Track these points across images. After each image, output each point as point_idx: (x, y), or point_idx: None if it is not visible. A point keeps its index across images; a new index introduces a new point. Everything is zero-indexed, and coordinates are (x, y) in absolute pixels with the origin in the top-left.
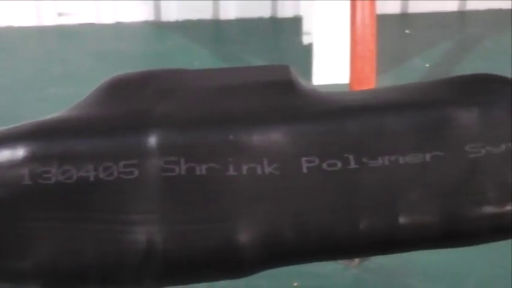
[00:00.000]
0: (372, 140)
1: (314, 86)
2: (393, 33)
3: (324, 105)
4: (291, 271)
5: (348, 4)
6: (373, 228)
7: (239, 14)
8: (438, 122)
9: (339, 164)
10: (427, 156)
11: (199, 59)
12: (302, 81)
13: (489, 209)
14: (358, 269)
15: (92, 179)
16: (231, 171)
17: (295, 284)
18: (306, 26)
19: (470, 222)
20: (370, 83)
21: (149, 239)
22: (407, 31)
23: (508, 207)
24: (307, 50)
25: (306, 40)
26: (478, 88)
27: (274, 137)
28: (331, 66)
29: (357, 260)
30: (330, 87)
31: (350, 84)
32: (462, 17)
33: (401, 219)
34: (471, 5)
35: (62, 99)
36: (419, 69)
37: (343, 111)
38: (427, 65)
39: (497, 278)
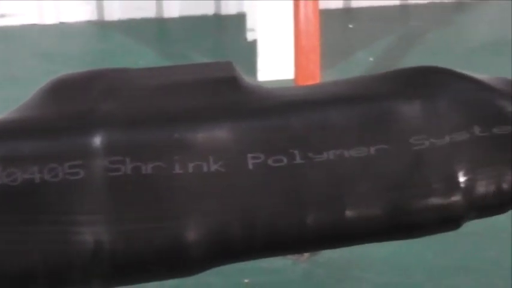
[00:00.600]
0: (317, 135)
1: (259, 82)
2: (337, 28)
3: (268, 101)
4: (241, 268)
5: (291, 0)
6: (321, 222)
7: (183, 12)
8: (382, 115)
9: (285, 160)
10: (372, 150)
11: (143, 57)
12: (246, 78)
13: (435, 201)
14: (307, 263)
15: (37, 180)
16: (177, 170)
17: (246, 281)
18: (249, 22)
19: (416, 214)
20: (315, 78)
21: (97, 239)
22: (350, 26)
23: (453, 198)
24: (252, 46)
25: (250, 37)
26: (421, 81)
27: (219, 134)
28: (275, 62)
29: (306, 255)
30: (275, 83)
31: (295, 80)
32: (404, 10)
33: (348, 213)
34: None
35: (5, 101)
36: (364, 63)
37: (288, 107)
38: (371, 59)
39: (446, 268)
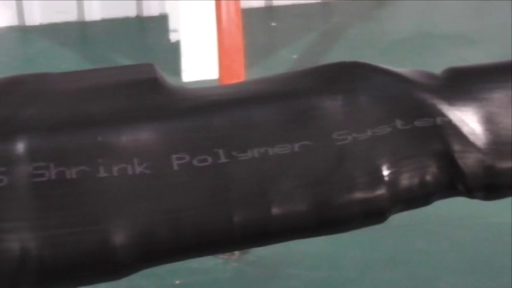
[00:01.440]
0: (241, 133)
1: (184, 83)
2: (259, 27)
3: (191, 101)
4: (172, 269)
5: (213, 0)
6: (247, 220)
7: (104, 15)
8: (305, 111)
9: (209, 159)
10: (296, 146)
11: (66, 61)
12: (168, 79)
13: (359, 195)
14: (238, 262)
15: None
16: (102, 173)
17: (177, 282)
18: (172, 23)
19: (341, 208)
20: (240, 77)
21: (23, 246)
22: (273, 24)
23: (377, 192)
24: (176, 47)
25: (173, 37)
26: (342, 76)
27: (142, 136)
28: (200, 63)
29: (237, 254)
30: (200, 83)
31: (220, 79)
32: (326, 7)
33: (274, 210)
34: None
35: None
36: (287, 60)
37: (211, 106)
38: (295, 56)
39: (375, 261)
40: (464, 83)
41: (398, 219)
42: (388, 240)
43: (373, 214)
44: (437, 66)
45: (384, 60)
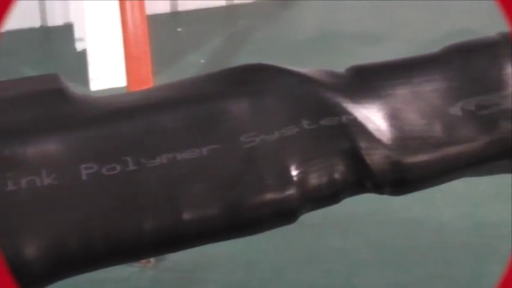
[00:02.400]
0: (149, 140)
1: (92, 92)
2: (166, 33)
3: (97, 110)
4: (88, 279)
5: (117, 7)
6: (159, 227)
7: (8, 26)
8: (212, 115)
9: (118, 168)
10: (204, 151)
11: None
12: (73, 89)
13: (269, 196)
14: (154, 269)
15: None
16: (10, 186)
17: None
18: (78, 32)
19: (252, 210)
20: (148, 83)
21: None
22: (179, 29)
23: (287, 192)
24: (82, 56)
25: (79, 46)
26: (248, 78)
27: (49, 147)
28: (107, 71)
29: (152, 261)
30: (108, 91)
31: (128, 87)
32: (231, 11)
33: (185, 216)
34: None
35: None
36: (195, 65)
37: (118, 114)
38: (202, 61)
39: (291, 261)
40: (368, 80)
41: (312, 219)
42: (303, 239)
43: (283, 214)
44: (343, 65)
45: (290, 61)
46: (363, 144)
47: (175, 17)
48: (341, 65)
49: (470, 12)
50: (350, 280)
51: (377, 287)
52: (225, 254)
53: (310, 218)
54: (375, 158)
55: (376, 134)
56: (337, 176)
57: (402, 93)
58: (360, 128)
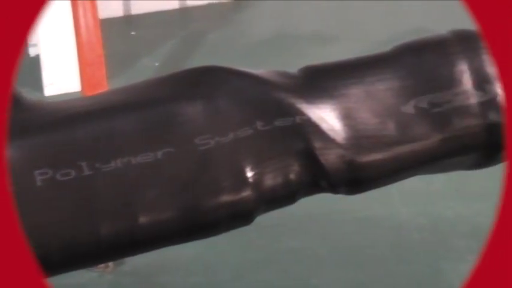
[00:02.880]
0: (103, 145)
1: (47, 97)
2: (119, 36)
3: (51, 115)
4: None
5: (70, 12)
6: (115, 231)
7: None
8: (166, 118)
9: (73, 173)
10: (159, 154)
11: None
12: (26, 95)
13: (225, 198)
14: (113, 274)
15: None
16: None
17: None
18: (30, 37)
19: (208, 213)
20: (102, 88)
21: None
22: (133, 33)
23: (243, 194)
24: (36, 62)
25: (32, 52)
26: (202, 81)
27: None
28: (61, 76)
29: (111, 265)
30: (63, 96)
31: (82, 92)
32: (184, 13)
33: (141, 219)
34: (192, 1)
35: None
36: (150, 69)
37: (72, 119)
38: (157, 64)
39: (250, 262)
40: (320, 80)
41: (270, 219)
42: (261, 241)
43: (240, 216)
44: (298, 66)
45: (245, 63)
46: (317, 144)
47: (128, 20)
48: (296, 65)
49: (423, 11)
50: (309, 280)
51: (336, 286)
52: (184, 257)
53: (268, 219)
54: (329, 158)
55: (330, 133)
56: (292, 176)
57: (355, 92)
58: (313, 128)
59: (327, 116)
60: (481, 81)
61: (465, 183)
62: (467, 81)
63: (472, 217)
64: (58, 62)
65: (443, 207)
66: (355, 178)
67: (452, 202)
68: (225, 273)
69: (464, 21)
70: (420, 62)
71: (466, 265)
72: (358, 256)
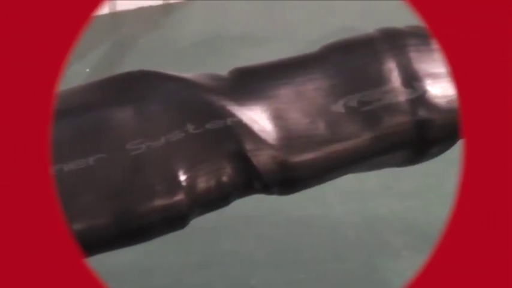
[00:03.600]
0: None
1: None
2: None
3: None
4: None
5: None
6: None
7: None
8: (97, 124)
9: None
10: (91, 160)
11: None
12: None
13: (158, 202)
14: None
15: None
16: None
17: None
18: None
19: (142, 218)
20: None
21: None
22: None
23: (176, 198)
24: None
25: None
26: (132, 85)
27: None
28: None
29: None
30: None
31: None
32: (115, 18)
33: (76, 226)
34: (121, 6)
35: None
36: (81, 74)
37: None
38: (88, 70)
39: (187, 266)
40: (251, 82)
41: (207, 222)
42: (199, 244)
43: (174, 220)
44: (229, 68)
45: (176, 67)
46: (249, 146)
47: None
48: (227, 67)
49: (353, 10)
50: (248, 281)
51: (275, 286)
52: (121, 263)
53: (204, 222)
54: (261, 159)
55: (262, 135)
56: (225, 178)
57: (285, 93)
58: (245, 130)
59: (258, 118)
60: (410, 79)
61: (397, 180)
62: (395, 79)
63: (405, 213)
64: None
65: (377, 205)
66: (287, 178)
67: (385, 199)
68: (163, 277)
69: (393, 19)
70: (349, 60)
71: (401, 261)
72: (295, 256)
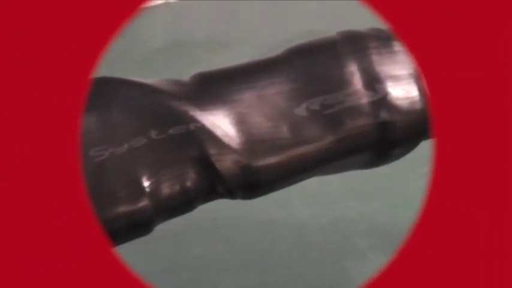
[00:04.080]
0: None
1: None
2: None
3: None
4: None
5: None
6: None
7: None
8: None
9: None
10: None
11: None
12: None
13: (122, 209)
14: None
15: None
16: None
17: None
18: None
19: (106, 224)
20: None
21: None
22: None
23: (140, 204)
24: None
25: None
26: (93, 92)
27: None
28: None
29: None
30: None
31: None
32: None
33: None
34: None
35: None
36: None
37: None
38: None
39: (154, 271)
40: (213, 86)
41: (174, 228)
42: (166, 249)
43: (138, 226)
44: (191, 73)
45: (139, 73)
46: (212, 151)
47: None
48: (190, 73)
49: (315, 14)
50: (216, 286)
51: None
52: None
53: (171, 227)
54: (225, 164)
55: (225, 139)
56: (189, 183)
57: (248, 97)
58: (208, 135)
59: (220, 122)
60: (371, 81)
61: (362, 182)
62: (357, 81)
63: (370, 215)
64: None
65: (342, 207)
66: (251, 182)
67: (350, 202)
68: None
69: (356, 22)
70: (310, 64)
71: (368, 263)
72: (263, 259)
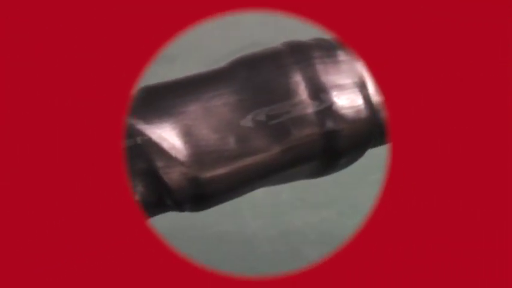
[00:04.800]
0: None
1: None
2: None
3: None
4: None
5: None
6: None
7: None
8: None
9: None
10: None
11: None
12: None
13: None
14: None
15: None
16: None
17: None
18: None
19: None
20: None
21: None
22: None
23: None
24: None
25: None
26: None
27: None
28: None
29: None
30: None
31: None
32: None
33: None
34: None
35: None
36: None
37: None
38: None
39: None
40: (158, 99)
41: None
42: None
43: None
44: (137, 87)
45: None
46: (159, 164)
47: None
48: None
49: (259, 26)
50: None
51: None
52: None
53: None
54: (172, 176)
55: (172, 152)
56: (137, 197)
57: (193, 109)
58: (155, 148)
59: (167, 135)
60: (316, 91)
61: (310, 192)
62: (303, 91)
63: (319, 224)
64: None
65: (291, 217)
66: (199, 194)
67: (299, 211)
68: None
69: (300, 32)
70: (256, 75)
71: None
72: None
